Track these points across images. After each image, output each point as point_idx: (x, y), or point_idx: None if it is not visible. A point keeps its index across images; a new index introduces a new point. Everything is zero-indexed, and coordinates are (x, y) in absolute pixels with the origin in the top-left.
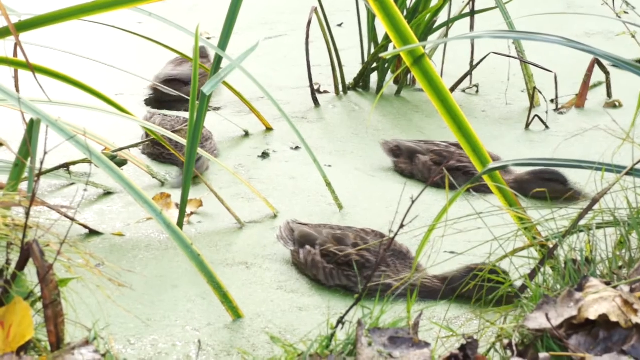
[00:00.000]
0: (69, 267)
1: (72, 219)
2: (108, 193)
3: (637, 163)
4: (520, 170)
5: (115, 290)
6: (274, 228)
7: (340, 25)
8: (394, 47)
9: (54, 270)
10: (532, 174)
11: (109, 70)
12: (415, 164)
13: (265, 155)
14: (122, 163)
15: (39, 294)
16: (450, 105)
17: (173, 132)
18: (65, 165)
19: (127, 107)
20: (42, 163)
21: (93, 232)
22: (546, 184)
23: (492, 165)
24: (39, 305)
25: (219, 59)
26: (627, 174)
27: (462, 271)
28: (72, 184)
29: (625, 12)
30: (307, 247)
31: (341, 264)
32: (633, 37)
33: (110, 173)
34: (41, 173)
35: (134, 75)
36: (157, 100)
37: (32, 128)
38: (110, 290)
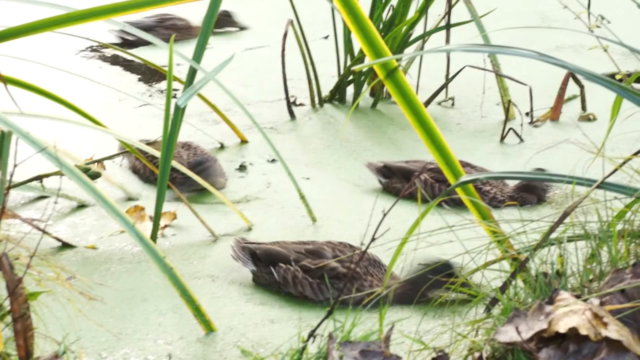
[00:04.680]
0: (40, 280)
1: (44, 231)
2: (81, 206)
3: (607, 177)
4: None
5: (86, 303)
6: None
7: (326, 37)
8: (369, 61)
9: (24, 284)
10: (522, 184)
11: (84, 83)
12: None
13: (242, 167)
14: (95, 176)
15: (9, 308)
16: (423, 118)
17: (147, 144)
18: (38, 178)
19: (103, 119)
20: (11, 175)
21: (66, 245)
22: (529, 196)
23: (463, 178)
24: (9, 318)
25: (193, 71)
26: (598, 187)
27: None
28: (45, 196)
29: (598, 27)
30: (281, 264)
31: (322, 277)
32: (605, 50)
33: (83, 186)
34: (11, 186)
35: (109, 87)
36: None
37: (2, 140)
38: (81, 304)
